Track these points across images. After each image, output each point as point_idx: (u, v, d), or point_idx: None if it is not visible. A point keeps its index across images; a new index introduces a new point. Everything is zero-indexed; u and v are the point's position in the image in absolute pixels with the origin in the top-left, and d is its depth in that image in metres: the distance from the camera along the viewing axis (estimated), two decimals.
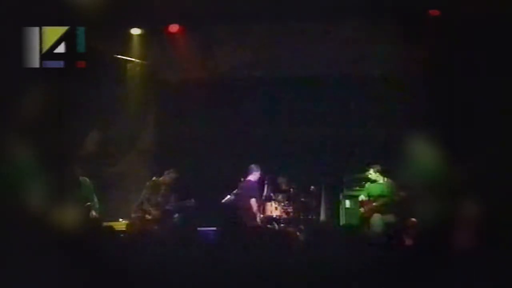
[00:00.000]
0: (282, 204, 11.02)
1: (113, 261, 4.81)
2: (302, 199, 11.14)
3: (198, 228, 8.54)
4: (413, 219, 9.58)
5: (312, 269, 4.81)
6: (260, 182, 10.87)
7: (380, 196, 10.28)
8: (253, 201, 10.50)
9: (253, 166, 10.81)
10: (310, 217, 11.23)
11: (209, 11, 10.04)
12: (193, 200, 10.63)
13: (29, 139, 7.25)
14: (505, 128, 7.68)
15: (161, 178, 10.69)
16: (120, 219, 10.62)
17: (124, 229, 10.16)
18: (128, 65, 11.58)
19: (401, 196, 10.13)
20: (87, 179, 10.14)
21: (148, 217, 10.36)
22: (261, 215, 10.73)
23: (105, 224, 9.29)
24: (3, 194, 6.46)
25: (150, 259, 4.90)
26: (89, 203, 9.95)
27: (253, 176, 10.80)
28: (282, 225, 10.81)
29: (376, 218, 10.14)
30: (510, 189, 6.72)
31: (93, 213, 9.93)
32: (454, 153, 8.64)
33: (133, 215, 10.51)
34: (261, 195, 10.92)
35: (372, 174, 10.41)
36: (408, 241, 8.93)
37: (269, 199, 11.09)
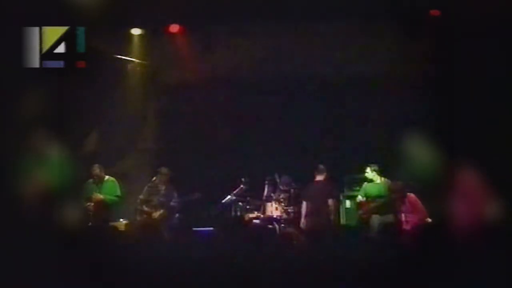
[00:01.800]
0: (282, 204, 11.01)
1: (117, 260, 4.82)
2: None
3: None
4: (399, 182, 9.72)
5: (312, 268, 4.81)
6: (330, 182, 10.81)
7: (378, 196, 10.27)
8: (331, 201, 10.53)
9: (321, 166, 10.75)
10: None
11: (209, 11, 10.03)
12: (198, 194, 10.62)
13: (28, 139, 7.24)
14: (506, 128, 7.69)
15: (159, 179, 10.70)
16: (121, 219, 10.63)
17: (123, 229, 10.19)
18: (128, 65, 11.58)
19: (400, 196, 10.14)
20: (113, 179, 10.25)
21: (149, 216, 10.39)
22: (332, 216, 10.64)
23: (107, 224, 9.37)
24: (5, 192, 6.47)
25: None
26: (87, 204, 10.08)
27: (322, 177, 10.75)
28: (282, 225, 10.80)
29: (375, 219, 10.14)
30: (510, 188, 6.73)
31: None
32: (454, 153, 8.64)
33: (134, 215, 10.55)
34: (335, 195, 10.83)
35: (370, 174, 10.40)
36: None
37: (269, 199, 11.08)
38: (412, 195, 9.69)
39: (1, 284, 4.64)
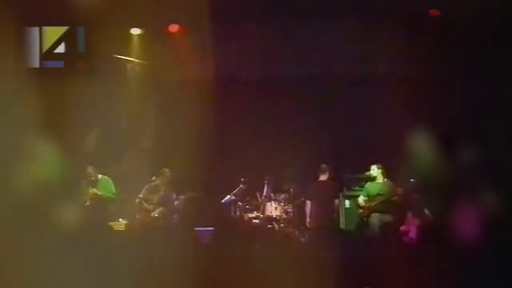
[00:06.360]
0: (282, 204, 11.00)
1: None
2: (302, 199, 11.12)
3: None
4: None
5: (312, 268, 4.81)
6: (332, 181, 10.77)
7: (379, 195, 10.27)
8: (334, 201, 10.53)
9: (323, 166, 10.73)
10: None
11: (209, 11, 10.04)
12: (196, 194, 10.64)
13: (28, 139, 7.25)
14: (506, 126, 7.70)
15: (159, 179, 10.71)
16: (120, 219, 10.63)
17: (122, 229, 10.20)
18: (128, 65, 11.58)
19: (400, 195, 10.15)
20: (106, 177, 10.28)
21: (148, 216, 10.40)
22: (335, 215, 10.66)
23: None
24: (7, 192, 6.47)
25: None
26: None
27: (325, 176, 10.74)
28: (282, 225, 10.79)
29: (375, 218, 10.14)
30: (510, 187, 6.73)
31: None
32: (454, 152, 8.65)
33: (134, 215, 10.57)
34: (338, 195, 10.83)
35: (371, 173, 10.41)
36: None
37: (269, 199, 11.07)
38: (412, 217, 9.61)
39: (1, 283, 4.64)
